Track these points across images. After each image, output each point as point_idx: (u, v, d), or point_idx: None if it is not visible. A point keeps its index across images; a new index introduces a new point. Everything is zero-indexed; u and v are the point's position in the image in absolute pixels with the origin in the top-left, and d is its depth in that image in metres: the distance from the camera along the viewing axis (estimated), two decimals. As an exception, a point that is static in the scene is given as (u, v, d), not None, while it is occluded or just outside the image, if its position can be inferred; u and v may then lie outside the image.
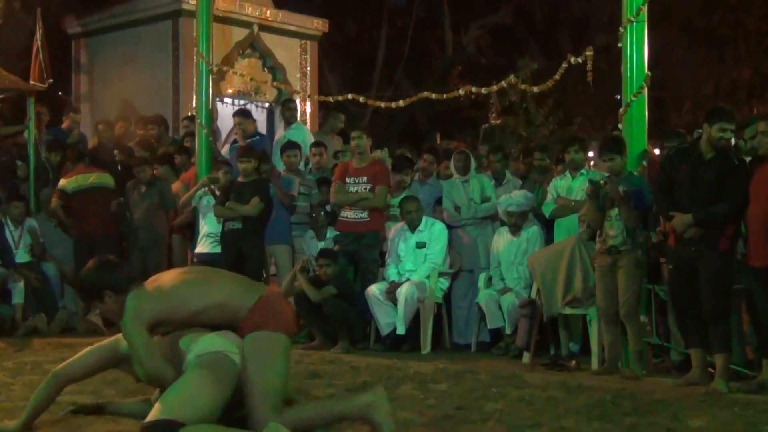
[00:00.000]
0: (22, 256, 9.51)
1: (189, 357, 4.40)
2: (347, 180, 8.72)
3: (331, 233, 8.93)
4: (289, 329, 4.57)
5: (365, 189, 8.63)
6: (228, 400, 4.30)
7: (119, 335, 4.80)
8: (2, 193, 10.04)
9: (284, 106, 11.48)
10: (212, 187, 9.12)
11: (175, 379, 4.34)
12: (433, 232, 8.47)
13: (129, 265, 5.40)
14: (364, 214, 8.63)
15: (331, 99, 10.79)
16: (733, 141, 6.67)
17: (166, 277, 4.68)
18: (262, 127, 12.61)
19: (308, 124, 13.36)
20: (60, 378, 4.84)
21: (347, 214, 8.70)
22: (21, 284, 9.21)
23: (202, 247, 9.14)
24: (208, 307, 4.48)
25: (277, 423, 4.11)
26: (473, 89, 9.63)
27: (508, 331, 7.96)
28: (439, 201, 8.95)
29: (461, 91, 9.69)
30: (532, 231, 8.19)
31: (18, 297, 9.20)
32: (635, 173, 7.11)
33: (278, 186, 9.12)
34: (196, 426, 4.05)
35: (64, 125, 11.42)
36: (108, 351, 4.83)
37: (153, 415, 4.13)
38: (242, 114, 10.47)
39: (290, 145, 9.63)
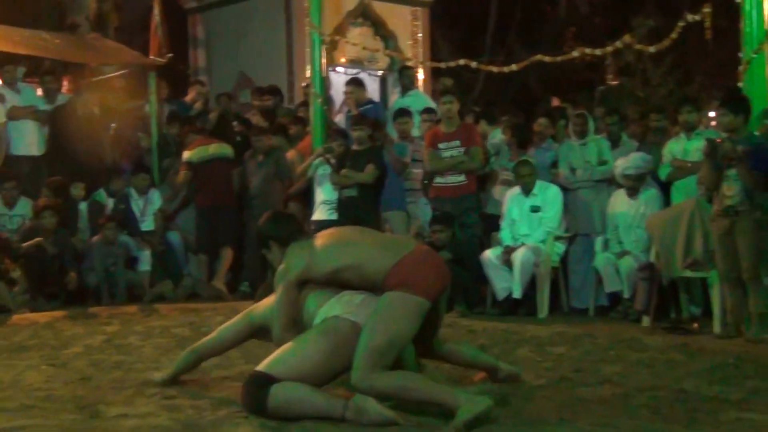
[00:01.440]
0: (147, 225, 9.81)
1: (315, 321, 4.44)
2: (440, 146, 8.73)
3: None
4: (429, 292, 4.32)
5: (459, 152, 8.64)
6: (344, 365, 4.29)
7: (247, 310, 4.93)
8: (128, 166, 10.38)
9: (402, 73, 11.49)
10: (327, 156, 9.26)
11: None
12: (548, 195, 8.43)
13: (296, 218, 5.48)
14: (462, 177, 8.64)
15: (443, 65, 10.78)
16: None
17: (323, 234, 4.73)
18: (374, 95, 12.67)
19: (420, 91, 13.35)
20: (198, 353, 5.00)
21: (444, 179, 8.72)
22: (147, 252, 9.56)
23: (319, 214, 9.30)
24: (346, 267, 4.46)
25: (364, 395, 4.06)
26: (587, 51, 9.50)
27: (626, 295, 7.86)
28: (554, 165, 8.88)
29: (575, 53, 9.57)
30: (650, 194, 8.06)
31: (145, 265, 9.55)
32: (756, 132, 6.91)
33: (392, 153, 9.20)
34: (288, 383, 4.11)
35: (188, 97, 11.67)
36: (242, 325, 4.92)
37: (261, 365, 4.24)
38: (354, 83, 10.56)
39: (402, 113, 9.69)
